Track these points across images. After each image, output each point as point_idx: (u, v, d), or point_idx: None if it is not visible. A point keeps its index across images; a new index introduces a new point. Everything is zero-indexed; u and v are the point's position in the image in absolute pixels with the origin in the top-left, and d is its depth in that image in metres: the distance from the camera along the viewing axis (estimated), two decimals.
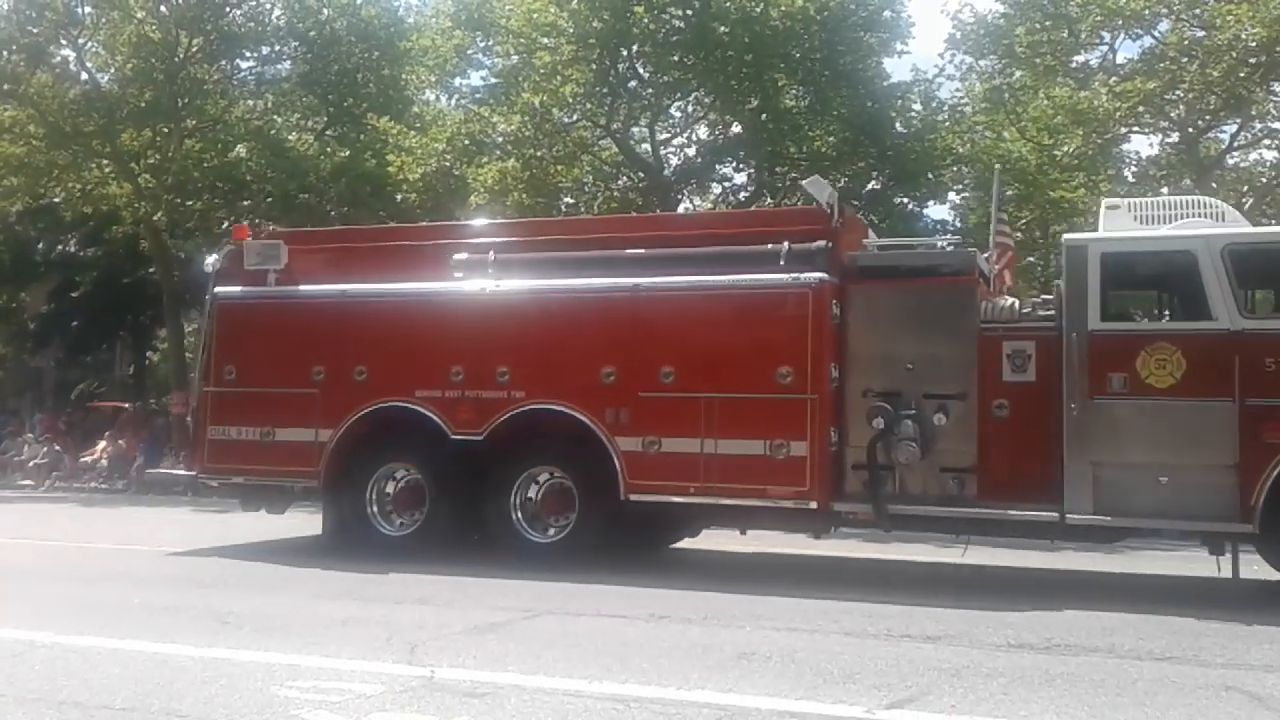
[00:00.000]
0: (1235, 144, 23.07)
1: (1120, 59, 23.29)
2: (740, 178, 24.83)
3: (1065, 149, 21.15)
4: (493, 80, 24.10)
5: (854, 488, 9.43)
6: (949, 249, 10.35)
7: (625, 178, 24.69)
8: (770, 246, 9.62)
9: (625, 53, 22.02)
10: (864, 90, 22.05)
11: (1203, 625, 7.37)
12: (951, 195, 26.13)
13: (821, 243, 9.55)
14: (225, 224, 26.77)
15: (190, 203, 25.89)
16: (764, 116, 21.67)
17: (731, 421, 9.45)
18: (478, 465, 10.29)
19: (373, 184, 24.68)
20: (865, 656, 6.46)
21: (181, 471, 12.20)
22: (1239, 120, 21.76)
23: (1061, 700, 5.49)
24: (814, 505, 9.31)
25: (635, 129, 24.32)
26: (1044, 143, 21.95)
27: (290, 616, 7.80)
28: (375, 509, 10.74)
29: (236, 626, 7.29)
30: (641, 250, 10.18)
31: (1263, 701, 5.46)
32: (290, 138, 27.57)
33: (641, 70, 22.70)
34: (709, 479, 9.54)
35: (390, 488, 10.79)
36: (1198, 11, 20.23)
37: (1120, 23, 21.42)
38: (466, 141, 22.29)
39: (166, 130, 25.33)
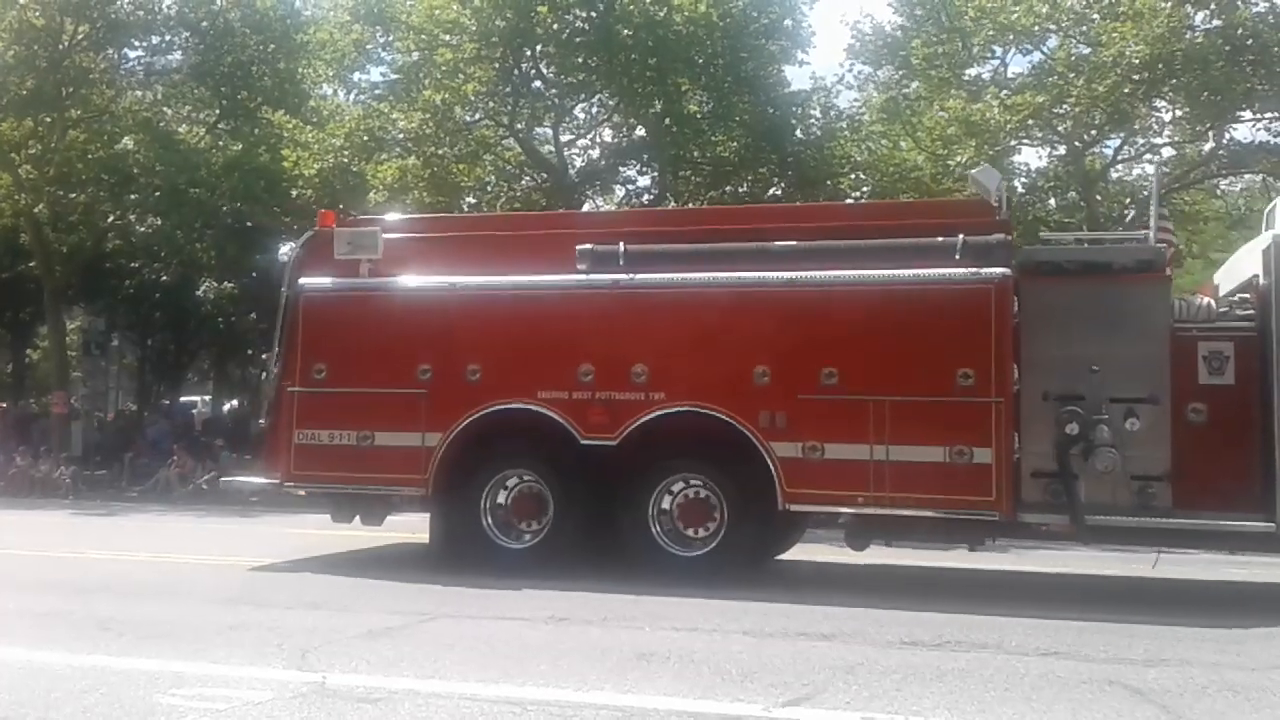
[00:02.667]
0: (1119, 157, 23.98)
1: (1011, 73, 24.02)
2: (644, 180, 24.93)
3: (959, 159, 21.67)
4: (393, 76, 23.74)
5: (1032, 496, 8.77)
6: (1135, 244, 9.66)
7: (528, 178, 24.57)
8: (942, 239, 8.92)
9: (529, 52, 21.90)
10: (765, 97, 22.32)
11: (1087, 622, 7.58)
12: (850, 203, 26.58)
13: (1000, 236, 8.94)
14: (110, 218, 25.96)
15: (73, 195, 24.99)
16: (667, 120, 21.78)
17: (905, 426, 8.73)
18: (609, 472, 9.49)
19: (267, 179, 24.10)
20: (763, 655, 6.50)
21: (263, 480, 10.85)
22: (1123, 134, 22.59)
23: (952, 696, 5.60)
24: (999, 516, 8.62)
25: (539, 129, 24.21)
26: (939, 153, 22.48)
27: (176, 622, 7.53)
28: (490, 520, 9.89)
29: (118, 633, 7.02)
30: (793, 242, 9.38)
31: (1144, 695, 5.64)
32: (180, 130, 26.80)
33: (545, 70, 22.61)
34: (879, 488, 8.78)
35: (502, 496, 9.92)
36: (1084, 29, 20.99)
37: (1011, 38, 22.09)
38: (365, 138, 21.91)
39: (49, 120, 24.39)
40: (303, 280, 10.34)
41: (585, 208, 24.81)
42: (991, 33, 21.82)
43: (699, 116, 22.23)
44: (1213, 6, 19.89)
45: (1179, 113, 21.48)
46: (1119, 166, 24.27)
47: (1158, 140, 23.27)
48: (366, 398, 9.97)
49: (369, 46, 23.73)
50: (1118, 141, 23.16)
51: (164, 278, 28.00)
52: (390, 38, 22.96)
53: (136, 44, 26.65)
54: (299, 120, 23.70)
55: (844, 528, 9.63)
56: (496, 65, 21.53)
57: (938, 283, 8.80)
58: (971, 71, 23.80)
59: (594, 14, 21.12)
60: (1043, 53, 22.36)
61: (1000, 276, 8.68)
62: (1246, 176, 21.91)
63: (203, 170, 24.20)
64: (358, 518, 10.61)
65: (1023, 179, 23.57)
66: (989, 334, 8.60)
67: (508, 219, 14.66)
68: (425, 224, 12.77)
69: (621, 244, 9.60)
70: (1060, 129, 21.82)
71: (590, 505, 9.62)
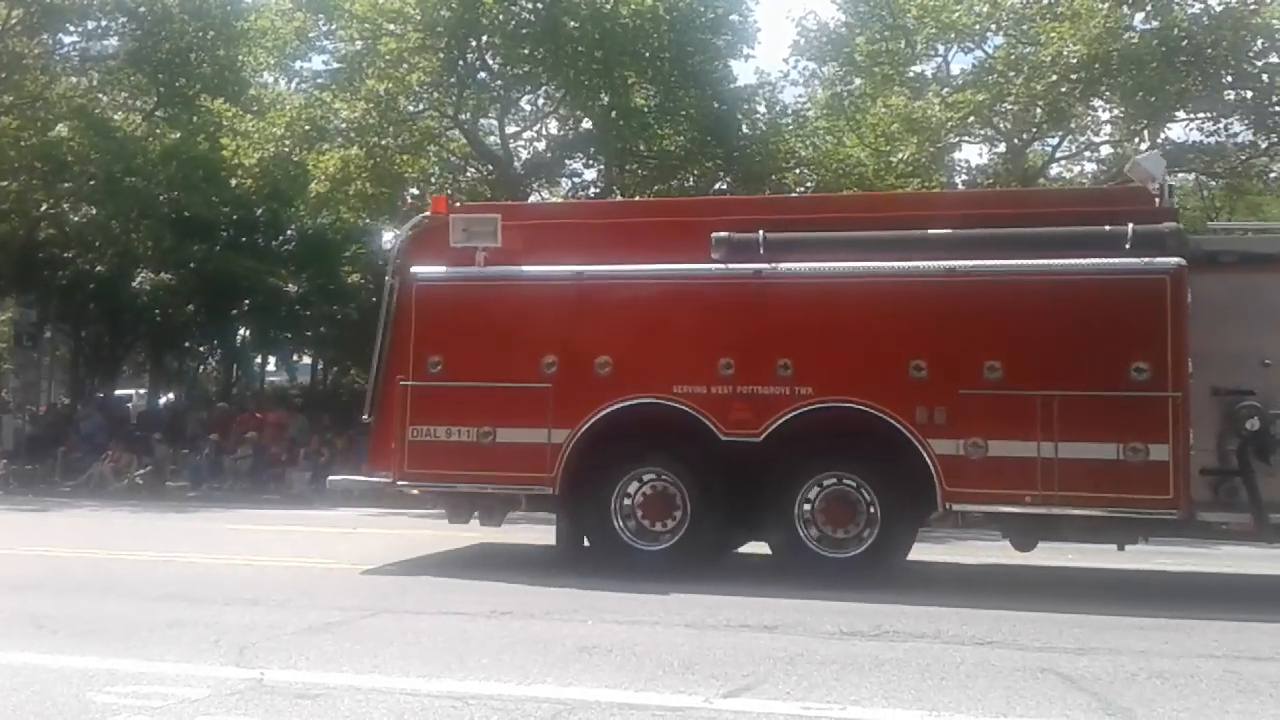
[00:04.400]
0: (1058, 155, 24.41)
1: (953, 71, 24.37)
2: (590, 174, 24.91)
3: (901, 156, 21.91)
4: (335, 65, 23.43)
5: (1200, 495, 8.49)
6: None
7: (474, 170, 24.41)
8: (1110, 228, 8.57)
9: (474, 43, 21.74)
10: (711, 92, 22.39)
11: (1021, 612, 7.72)
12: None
13: (1171, 224, 8.62)
14: (43, 207, 25.36)
15: (5, 183, 24.39)
16: (614, 113, 21.74)
17: (1076, 422, 8.37)
18: (750, 470, 9.09)
19: (206, 168, 23.73)
20: (704, 647, 6.55)
21: (375, 479, 10.23)
22: (1061, 133, 23.00)
23: (890, 685, 5.68)
24: (1177, 515, 8.28)
25: (484, 121, 24.08)
26: (881, 149, 22.70)
27: (110, 619, 7.40)
28: (621, 520, 9.44)
29: (51, 630, 6.90)
30: (948, 230, 8.95)
31: (1075, 682, 5.77)
32: (116, 118, 26.24)
33: (491, 61, 22.46)
34: (1048, 486, 8.40)
35: (630, 496, 9.45)
36: (1024, 28, 21.29)
37: (953, 36, 22.36)
38: (307, 127, 21.58)
39: None
40: (416, 269, 9.85)
41: (531, 199, 24.73)
42: (933, 31, 22.08)
43: (645, 110, 22.24)
44: (1149, 8, 20.29)
45: (1116, 112, 21.89)
46: (1058, 164, 24.70)
47: (1096, 139, 23.77)
48: (487, 392, 9.52)
49: (311, 35, 23.39)
50: (1056, 139, 23.58)
51: (99, 268, 27.42)
52: (333, 26, 22.66)
53: (71, 29, 26.11)
54: (239, 109, 23.33)
55: (1002, 529, 9.20)
56: (441, 55, 21.34)
57: (1109, 273, 8.47)
58: (914, 69, 24.07)
59: (540, 5, 21.03)
60: (984, 51, 22.70)
61: (1175, 267, 8.34)
62: (1180, 175, 22.34)
63: (139, 158, 23.75)
64: (475, 518, 10.12)
65: (963, 176, 23.93)
66: (1164, 326, 8.29)
67: (633, 206, 14.14)
68: (548, 211, 12.36)
69: (761, 232, 9.20)
70: (1001, 127, 22.15)
71: (729, 505, 9.24)
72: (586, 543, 9.87)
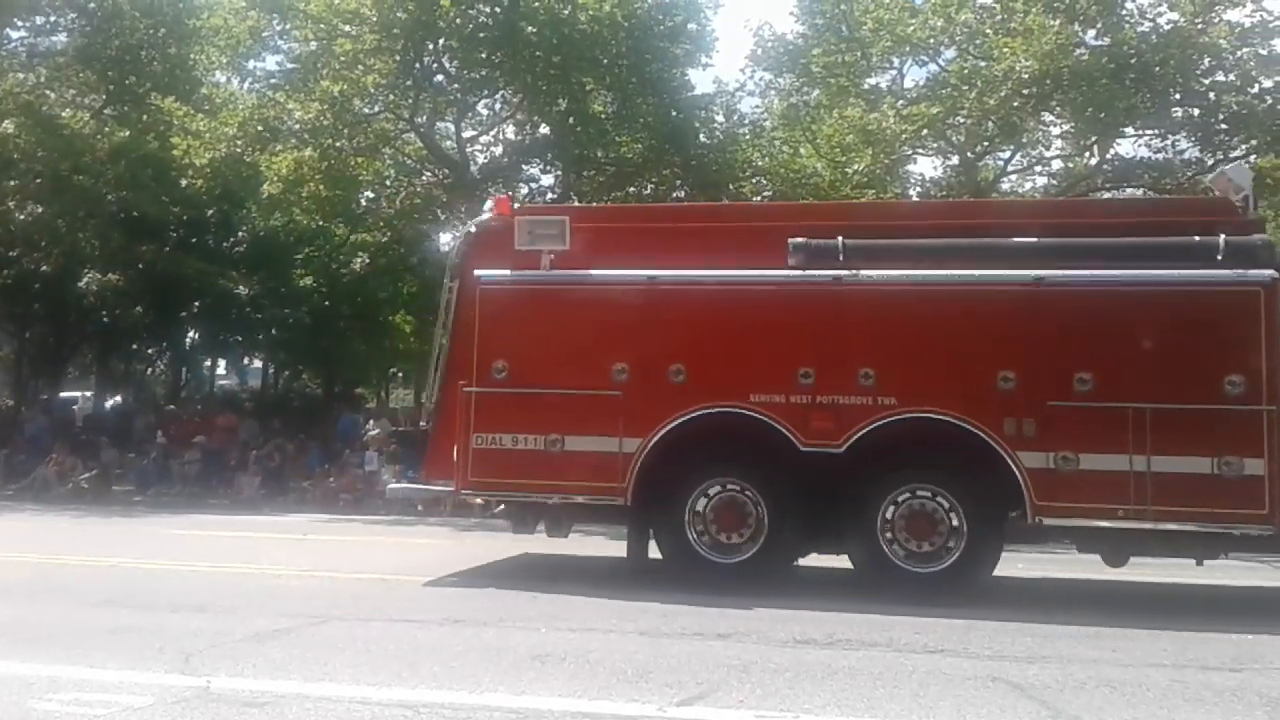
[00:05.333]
0: (1009, 169, 24.74)
1: (908, 84, 24.61)
2: (547, 179, 24.85)
3: (856, 167, 22.11)
4: (290, 65, 23.15)
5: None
6: None
7: (429, 173, 24.26)
8: (1200, 239, 8.45)
9: (431, 46, 21.62)
10: (669, 99, 22.43)
11: (972, 620, 7.77)
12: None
13: (1261, 236, 8.53)
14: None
15: None
16: (571, 119, 21.71)
17: (1169, 436, 8.25)
18: (830, 482, 8.87)
19: (155, 167, 23.37)
20: (659, 655, 6.53)
21: (437, 487, 9.95)
22: (1013, 147, 23.31)
23: (843, 693, 5.70)
24: (1272, 530, 8.16)
25: (440, 124, 23.92)
26: (837, 160, 22.88)
27: (53, 625, 7.27)
28: (694, 533, 9.17)
29: None
30: (1034, 240, 8.81)
31: (1024, 690, 5.82)
32: (64, 115, 25.68)
33: (448, 65, 22.34)
34: (1141, 500, 8.28)
35: (702, 507, 9.19)
36: (978, 43, 21.56)
37: (908, 49, 22.60)
38: (260, 128, 21.35)
39: None
40: (479, 271, 9.56)
41: (486, 206, 24.60)
42: (889, 44, 22.29)
43: (603, 116, 22.23)
44: (1100, 25, 20.65)
45: (1066, 127, 22.24)
46: (1009, 178, 25.03)
47: (1046, 153, 24.14)
48: (555, 399, 9.27)
49: (265, 34, 23.10)
50: (1008, 153, 23.90)
51: (44, 268, 26.83)
52: (287, 26, 22.40)
53: (19, 24, 25.61)
54: (190, 108, 23.02)
55: (1092, 544, 8.98)
56: (397, 57, 21.20)
57: (1202, 284, 8.36)
58: (870, 81, 24.29)
59: (498, 9, 20.94)
60: (938, 65, 22.96)
61: (1270, 279, 8.27)
62: (1129, 191, 22.74)
63: (87, 157, 23.31)
64: (541, 528, 9.86)
65: (917, 188, 24.18)
66: (1259, 339, 8.21)
67: (706, 210, 13.83)
68: (618, 214, 12.21)
69: (840, 238, 9.01)
70: (954, 140, 22.41)
71: (807, 517, 9.03)
72: (658, 555, 9.56)
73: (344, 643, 6.84)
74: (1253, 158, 21.85)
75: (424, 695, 5.50)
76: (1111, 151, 23.09)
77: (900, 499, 8.81)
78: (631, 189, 23.69)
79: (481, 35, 20.92)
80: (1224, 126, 21.25)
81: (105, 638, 6.83)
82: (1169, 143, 22.24)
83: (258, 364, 35.92)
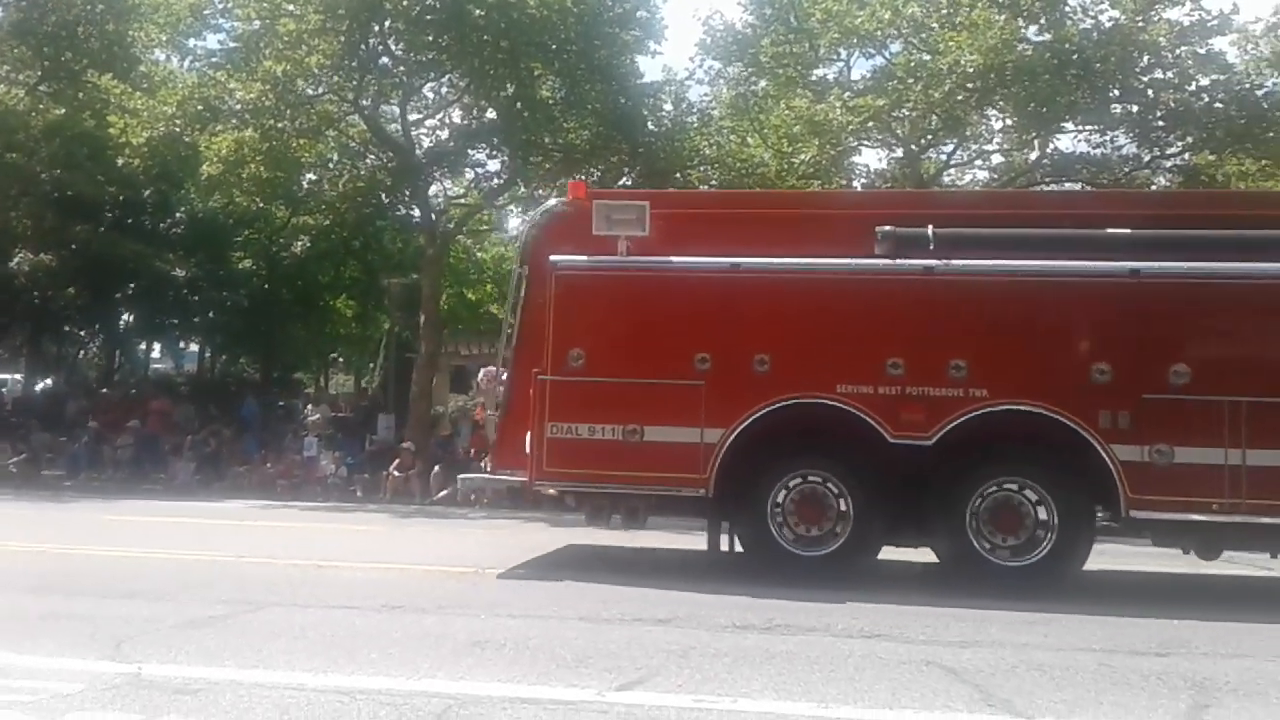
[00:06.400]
0: (952, 162, 25.01)
1: (855, 75, 24.78)
2: (494, 164, 24.65)
3: (802, 157, 22.21)
4: (231, 44, 22.75)
5: None
6: None
7: (374, 156, 23.94)
8: None
9: (377, 27, 21.30)
10: (618, 86, 22.31)
11: (908, 606, 7.88)
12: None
13: None
14: None
15: None
16: (519, 104, 21.53)
17: (1266, 429, 8.23)
18: (919, 474, 8.72)
19: (91, 146, 22.86)
20: (599, 640, 6.53)
21: (508, 477, 9.70)
22: (956, 140, 23.57)
23: (780, 677, 5.74)
24: None
25: (385, 107, 23.65)
26: (784, 150, 22.97)
27: None
28: (777, 525, 8.97)
29: None
30: (1127, 230, 8.68)
31: (958, 674, 5.90)
32: None
33: (393, 47, 22.04)
34: (1236, 494, 8.25)
35: (789, 499, 8.99)
36: (924, 36, 21.76)
37: (855, 41, 22.75)
38: (200, 107, 20.93)
39: None
40: (555, 257, 9.30)
41: (433, 190, 24.42)
42: (837, 36, 22.42)
43: (551, 102, 22.08)
44: (1043, 21, 20.93)
45: (1008, 121, 22.51)
46: (951, 170, 25.30)
47: (988, 147, 24.43)
48: (634, 388, 9.05)
49: (206, 12, 22.69)
50: (951, 146, 24.15)
51: None
52: (229, 4, 21.98)
53: None
54: (128, 85, 22.51)
55: (1185, 538, 8.97)
56: (342, 38, 20.86)
57: None
58: (817, 72, 24.44)
59: None
60: (885, 57, 23.13)
61: None
62: (1067, 185, 23.11)
63: (20, 134, 22.79)
64: (616, 520, 9.55)
65: (862, 179, 24.36)
66: None
67: (788, 196, 13.65)
68: (698, 200, 11.95)
69: (930, 227, 8.86)
70: (898, 132, 22.60)
71: (894, 509, 8.89)
72: (739, 548, 9.41)
73: (280, 629, 6.76)
74: (1188, 155, 22.35)
75: (360, 682, 5.45)
76: (1051, 146, 23.44)
77: (990, 492, 8.70)
78: (579, 175, 23.56)
79: (428, 18, 20.67)
80: (1161, 123, 21.66)
81: (34, 624, 6.68)
82: (1108, 138, 22.60)
83: (194, 348, 35.32)
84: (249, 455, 21.25)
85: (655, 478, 9.02)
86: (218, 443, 21.54)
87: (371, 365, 35.20)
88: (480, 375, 27.16)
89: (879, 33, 22.11)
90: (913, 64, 21.35)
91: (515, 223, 24.03)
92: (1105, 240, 8.71)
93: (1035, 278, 8.66)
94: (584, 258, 9.24)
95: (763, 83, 24.98)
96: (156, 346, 36.39)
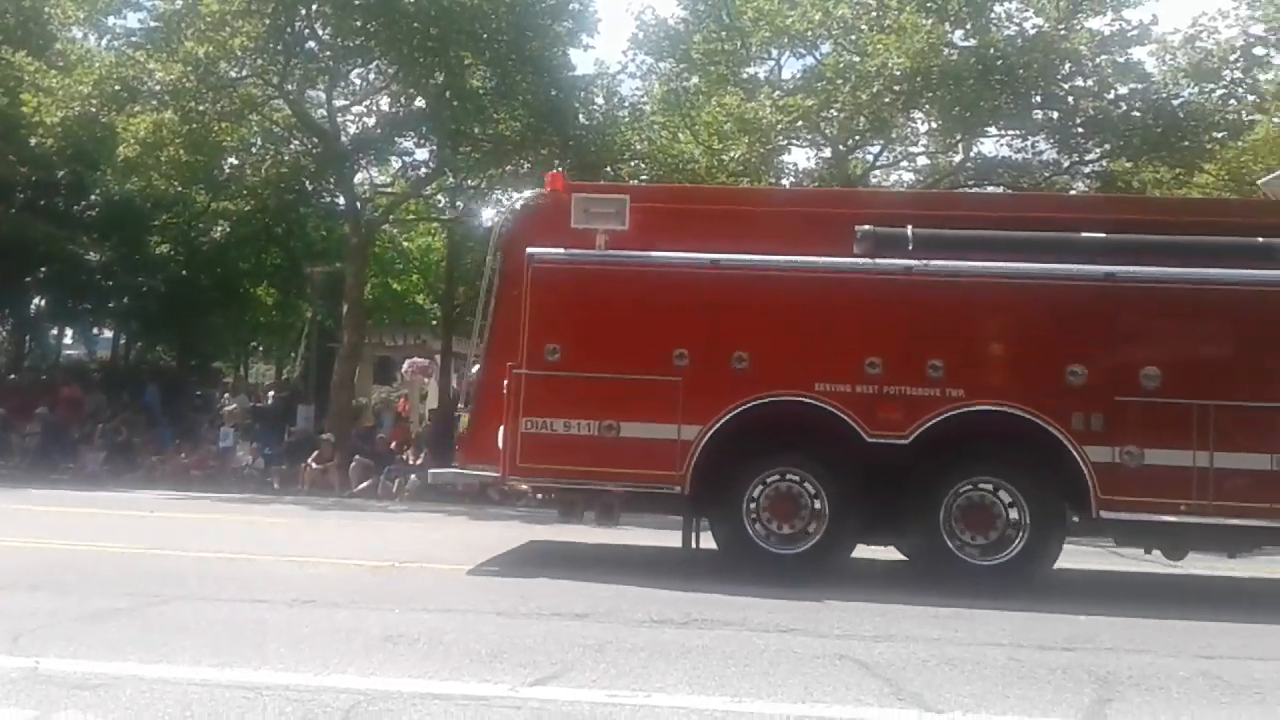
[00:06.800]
0: (879, 163, 25.33)
1: (785, 75, 24.96)
2: (422, 153, 24.37)
3: (732, 154, 22.34)
4: (152, 24, 22.10)
5: None
6: None
7: (298, 142, 23.52)
8: (1264, 241, 8.69)
9: (303, 11, 20.89)
10: (549, 78, 22.17)
11: (825, 601, 7.94)
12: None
13: None
14: None
15: None
16: (448, 93, 21.29)
17: (1233, 433, 8.42)
18: (894, 473, 8.76)
19: (3, 125, 22.10)
20: (514, 635, 6.48)
21: (479, 473, 9.56)
22: (882, 142, 23.86)
23: (695, 672, 5.74)
24: None
25: (311, 92, 23.22)
26: (714, 147, 23.07)
27: None
28: (752, 523, 8.94)
29: None
30: (1102, 235, 8.83)
31: (870, 669, 5.96)
32: None
33: (320, 31, 21.63)
34: (1203, 496, 8.42)
35: (765, 497, 8.97)
36: (853, 38, 22.00)
37: (786, 41, 22.93)
38: (117, 87, 20.32)
39: None
40: (532, 250, 9.15)
41: (358, 177, 24.04)
42: (768, 34, 22.57)
43: (481, 92, 21.85)
44: (969, 26, 21.28)
45: (933, 124, 22.86)
46: (878, 172, 25.63)
47: (914, 149, 24.79)
48: (611, 384, 8.95)
49: None
50: (878, 148, 24.45)
51: None
52: None
53: None
54: (43, 63, 21.79)
55: (1152, 539, 9.20)
56: (267, 21, 20.42)
57: (1265, 284, 8.57)
58: (748, 70, 24.57)
59: None
60: (815, 58, 23.34)
61: None
62: (989, 188, 23.55)
63: None
64: (590, 518, 9.41)
65: (791, 178, 24.55)
66: None
67: (768, 194, 13.67)
68: (680, 195, 11.85)
69: (909, 227, 8.93)
70: (827, 132, 22.81)
71: (869, 508, 8.92)
72: (706, 545, 9.42)
73: (187, 623, 6.60)
74: (1105, 161, 22.91)
75: (267, 677, 5.33)
76: (975, 150, 23.87)
77: (964, 491, 8.79)
78: (509, 166, 23.43)
79: (357, 2, 20.33)
80: (1081, 130, 22.19)
81: None
82: (1029, 143, 23.12)
83: (109, 334, 34.37)
84: (163, 445, 20.74)
85: (631, 474, 8.96)
86: (130, 431, 20.99)
87: (293, 355, 34.60)
88: (405, 366, 27.34)
89: (809, 33, 22.30)
90: (842, 65, 21.57)
91: (458, 211, 23.65)
92: (1081, 244, 8.84)
93: (1012, 280, 8.77)
94: (561, 251, 9.15)
95: (694, 79, 25.08)
96: (69, 332, 35.34)
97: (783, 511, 8.94)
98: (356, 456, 18.95)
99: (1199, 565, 10.19)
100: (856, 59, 21.63)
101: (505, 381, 8.98)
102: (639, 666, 5.82)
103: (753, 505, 8.94)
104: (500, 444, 9.01)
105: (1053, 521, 8.77)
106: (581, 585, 8.32)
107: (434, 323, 29.75)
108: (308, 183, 23.60)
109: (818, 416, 8.78)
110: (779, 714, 5.04)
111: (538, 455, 8.98)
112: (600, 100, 24.16)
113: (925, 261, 8.80)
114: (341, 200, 23.42)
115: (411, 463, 18.69)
